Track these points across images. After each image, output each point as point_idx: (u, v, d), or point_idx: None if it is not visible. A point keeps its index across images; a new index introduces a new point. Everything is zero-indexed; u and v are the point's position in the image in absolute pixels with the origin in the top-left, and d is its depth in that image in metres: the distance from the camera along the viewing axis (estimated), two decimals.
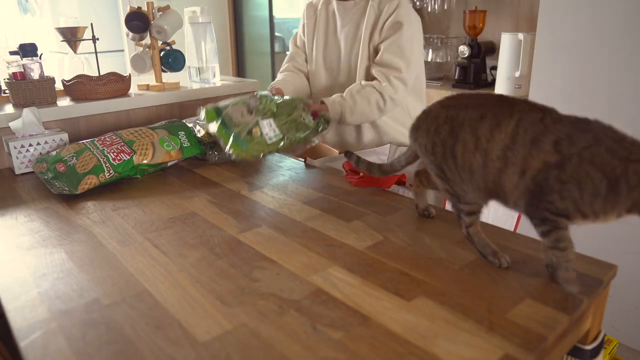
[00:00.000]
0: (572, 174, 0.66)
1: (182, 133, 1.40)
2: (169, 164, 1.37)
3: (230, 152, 1.21)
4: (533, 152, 0.70)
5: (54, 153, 1.30)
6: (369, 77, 1.46)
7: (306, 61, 1.65)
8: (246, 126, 1.23)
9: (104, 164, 1.23)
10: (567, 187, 0.67)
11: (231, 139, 1.22)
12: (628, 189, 0.63)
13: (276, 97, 1.35)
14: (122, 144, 1.29)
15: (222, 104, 1.31)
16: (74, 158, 1.24)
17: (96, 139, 1.32)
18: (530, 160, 0.70)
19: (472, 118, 0.77)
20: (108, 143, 1.29)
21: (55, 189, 1.20)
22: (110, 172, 1.23)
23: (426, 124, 0.84)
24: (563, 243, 0.71)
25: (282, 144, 1.24)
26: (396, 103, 1.43)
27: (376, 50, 1.45)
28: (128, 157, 1.26)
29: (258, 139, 1.22)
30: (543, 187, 0.69)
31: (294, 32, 1.69)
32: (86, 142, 1.31)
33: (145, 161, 1.29)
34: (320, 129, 1.32)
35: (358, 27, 1.47)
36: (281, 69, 1.68)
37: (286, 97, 1.37)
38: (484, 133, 0.75)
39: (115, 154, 1.26)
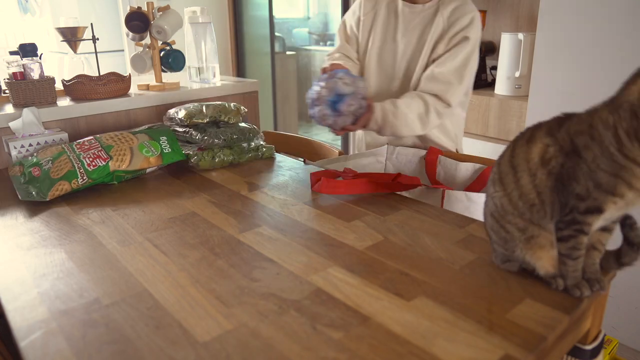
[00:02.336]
0: (571, 150, 0.66)
1: (163, 138, 1.35)
2: (148, 170, 1.33)
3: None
4: (531, 145, 0.70)
5: (32, 157, 1.27)
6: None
7: (358, 57, 1.53)
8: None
9: (77, 170, 1.19)
10: (574, 166, 0.65)
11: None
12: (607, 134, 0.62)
13: None
14: (100, 149, 1.25)
15: None
16: (50, 162, 1.21)
17: (75, 142, 1.29)
18: (530, 154, 0.70)
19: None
20: (86, 147, 1.26)
21: (24, 195, 1.16)
22: (84, 178, 1.19)
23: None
24: (578, 252, 0.70)
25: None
26: (441, 117, 1.34)
27: (432, 61, 1.36)
28: (104, 163, 1.22)
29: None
30: (562, 178, 0.67)
31: (344, 20, 1.55)
32: (65, 145, 1.28)
33: (121, 167, 1.25)
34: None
35: (422, 35, 1.38)
36: (330, 56, 1.53)
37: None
38: (501, 163, 0.75)
39: (90, 159, 1.22)
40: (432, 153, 1.42)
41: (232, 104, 1.48)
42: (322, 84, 1.22)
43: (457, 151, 1.53)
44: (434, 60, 1.36)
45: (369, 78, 1.50)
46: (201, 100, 1.86)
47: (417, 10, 1.39)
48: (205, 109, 1.42)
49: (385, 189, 1.17)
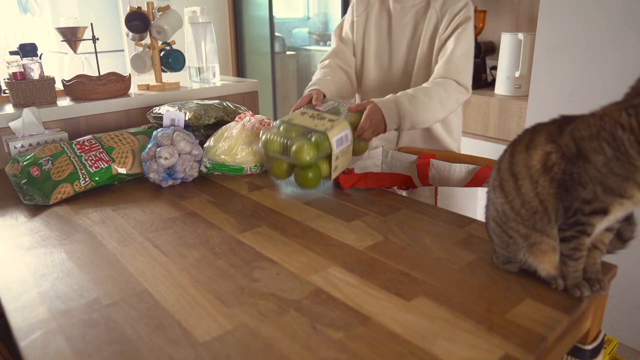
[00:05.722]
0: (576, 155, 0.65)
1: None
2: None
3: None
4: (531, 152, 0.69)
5: (29, 154, 1.25)
6: (427, 79, 1.38)
7: (354, 58, 1.54)
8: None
9: (79, 171, 1.18)
10: (581, 171, 0.64)
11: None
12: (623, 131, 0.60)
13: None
14: (101, 150, 1.24)
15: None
16: (50, 162, 1.20)
17: (74, 141, 1.27)
18: (531, 161, 0.69)
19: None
20: (87, 148, 1.24)
21: (27, 198, 1.15)
22: (87, 179, 1.18)
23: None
24: (580, 253, 0.70)
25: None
26: (459, 104, 1.34)
27: (438, 51, 1.37)
28: (106, 165, 1.21)
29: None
30: (565, 184, 0.67)
31: (342, 22, 1.56)
32: (64, 144, 1.27)
33: (123, 170, 1.24)
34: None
35: (416, 30, 1.39)
36: (321, 64, 1.51)
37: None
38: (501, 169, 0.74)
39: (92, 161, 1.21)
40: (423, 157, 1.41)
41: (230, 104, 1.48)
42: (146, 168, 1.23)
43: (458, 150, 1.53)
44: (438, 51, 1.36)
45: (369, 78, 1.51)
46: (201, 100, 1.86)
47: (408, 5, 1.40)
48: (210, 110, 1.42)
49: (392, 184, 1.19)
